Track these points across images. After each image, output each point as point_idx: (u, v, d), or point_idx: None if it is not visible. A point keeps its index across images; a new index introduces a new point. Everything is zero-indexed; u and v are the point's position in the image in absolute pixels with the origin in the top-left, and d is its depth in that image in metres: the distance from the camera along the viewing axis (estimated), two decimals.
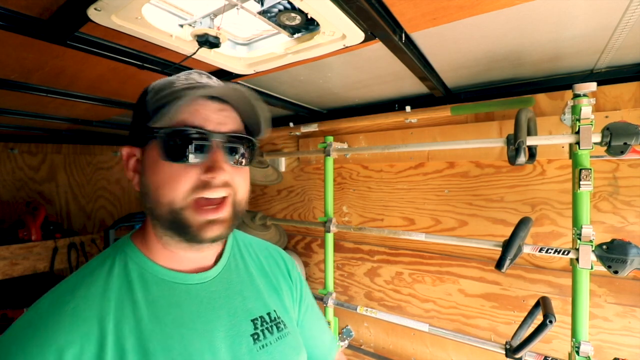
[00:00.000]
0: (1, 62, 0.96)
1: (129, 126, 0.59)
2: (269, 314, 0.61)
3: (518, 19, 0.81)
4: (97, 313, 0.48)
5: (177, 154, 0.50)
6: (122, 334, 0.47)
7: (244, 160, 0.56)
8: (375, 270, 1.76)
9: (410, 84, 1.32)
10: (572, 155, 1.03)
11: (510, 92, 1.33)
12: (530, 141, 1.03)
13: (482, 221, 1.46)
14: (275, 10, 0.79)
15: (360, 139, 1.77)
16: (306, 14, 0.79)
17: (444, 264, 1.54)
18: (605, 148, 0.96)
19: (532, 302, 1.16)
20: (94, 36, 0.84)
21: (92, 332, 0.46)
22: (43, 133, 2.08)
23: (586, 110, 0.97)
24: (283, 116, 1.93)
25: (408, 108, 1.50)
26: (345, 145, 1.76)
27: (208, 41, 0.82)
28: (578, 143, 0.97)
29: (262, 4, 0.78)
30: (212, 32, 0.81)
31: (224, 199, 0.53)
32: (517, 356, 1.04)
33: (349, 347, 1.78)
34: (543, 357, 1.04)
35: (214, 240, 0.53)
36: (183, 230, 0.51)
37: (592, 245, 0.96)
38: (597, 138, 0.95)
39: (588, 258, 0.96)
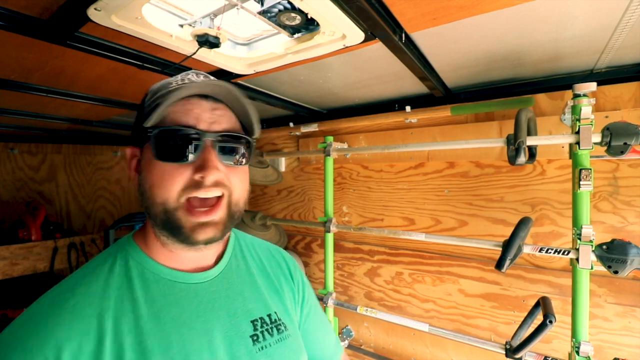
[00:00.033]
0: (1, 62, 0.96)
1: (131, 126, 0.59)
2: (269, 315, 0.61)
3: (518, 19, 0.81)
4: (96, 310, 0.48)
5: (168, 154, 0.50)
6: (120, 332, 0.47)
7: (239, 160, 0.55)
8: (375, 270, 1.76)
9: (410, 84, 1.32)
10: (572, 155, 1.03)
11: (510, 92, 1.33)
12: (530, 141, 1.03)
13: (482, 221, 1.46)
14: (275, 10, 0.79)
15: (360, 139, 1.77)
16: (306, 14, 0.79)
17: (444, 264, 1.54)
18: (605, 148, 0.96)
19: (532, 302, 1.16)
20: (94, 36, 0.84)
21: (91, 329, 0.46)
22: (43, 133, 2.08)
23: (586, 110, 0.97)
24: (283, 116, 1.94)
25: (408, 108, 1.50)
26: (345, 145, 1.76)
27: (208, 41, 0.82)
28: (578, 143, 0.97)
29: (262, 4, 0.78)
30: (212, 32, 0.81)
31: (218, 199, 0.52)
32: (517, 356, 1.04)
33: (349, 347, 1.78)
34: (543, 357, 1.04)
35: (207, 242, 0.52)
36: (176, 231, 0.51)
37: (592, 245, 0.96)
38: (597, 138, 0.95)
39: (588, 258, 0.96)
